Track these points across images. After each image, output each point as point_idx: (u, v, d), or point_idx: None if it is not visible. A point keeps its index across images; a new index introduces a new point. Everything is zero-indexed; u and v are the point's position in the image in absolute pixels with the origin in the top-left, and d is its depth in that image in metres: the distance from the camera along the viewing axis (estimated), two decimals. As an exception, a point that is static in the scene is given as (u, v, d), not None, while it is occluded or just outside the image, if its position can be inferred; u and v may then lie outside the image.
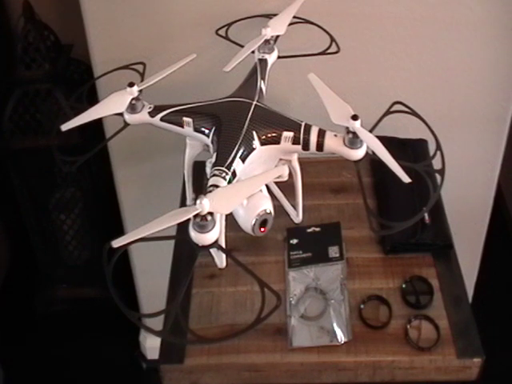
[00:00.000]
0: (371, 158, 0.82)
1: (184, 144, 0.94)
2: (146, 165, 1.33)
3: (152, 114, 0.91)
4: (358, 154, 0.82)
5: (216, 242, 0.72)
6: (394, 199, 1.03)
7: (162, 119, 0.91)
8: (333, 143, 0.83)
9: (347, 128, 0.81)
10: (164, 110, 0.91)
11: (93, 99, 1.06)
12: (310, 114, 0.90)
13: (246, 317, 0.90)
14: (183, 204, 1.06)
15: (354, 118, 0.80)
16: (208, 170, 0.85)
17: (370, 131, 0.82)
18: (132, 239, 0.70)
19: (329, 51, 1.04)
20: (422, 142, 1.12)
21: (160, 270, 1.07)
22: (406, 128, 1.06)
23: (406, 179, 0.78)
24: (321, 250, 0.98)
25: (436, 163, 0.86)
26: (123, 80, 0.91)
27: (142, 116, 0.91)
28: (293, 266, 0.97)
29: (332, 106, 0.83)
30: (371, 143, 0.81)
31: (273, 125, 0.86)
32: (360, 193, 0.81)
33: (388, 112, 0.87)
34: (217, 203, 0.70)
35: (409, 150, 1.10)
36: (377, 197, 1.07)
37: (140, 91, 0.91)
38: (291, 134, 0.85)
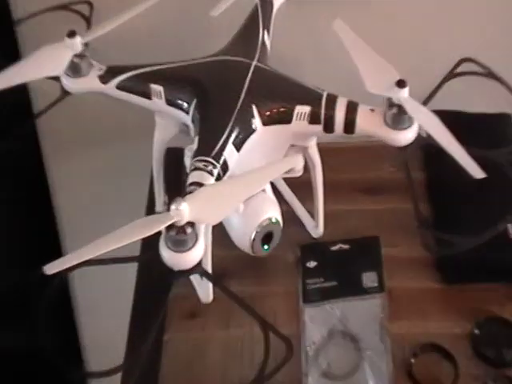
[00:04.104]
0: (425, 144, 0.82)
1: (152, 124, 0.94)
2: (92, 158, 1.34)
3: (104, 78, 0.91)
4: (406, 137, 0.82)
5: (199, 264, 0.72)
6: (458, 203, 1.04)
7: (118, 86, 0.91)
8: (368, 122, 0.83)
9: (389, 99, 0.81)
10: (122, 72, 0.91)
11: (13, 56, 1.05)
12: (331, 80, 0.89)
13: (243, 373, 0.90)
14: (151, 210, 1.06)
15: (401, 84, 0.79)
16: (188, 160, 0.85)
17: (424, 104, 0.82)
18: (74, 262, 0.69)
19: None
20: (504, 118, 1.12)
21: (114, 307, 1.07)
22: (476, 99, 1.06)
23: (478, 174, 0.77)
24: (351, 278, 0.98)
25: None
26: (60, 28, 0.91)
27: (90, 81, 0.91)
28: (310, 299, 0.97)
29: (367, 67, 0.83)
30: (425, 121, 0.80)
31: (281, 95, 0.86)
32: (407, 194, 0.82)
33: (452, 74, 0.87)
34: (200, 209, 0.70)
35: (483, 131, 1.10)
36: (432, 200, 1.07)
37: (86, 45, 0.91)
38: (307, 108, 0.85)
